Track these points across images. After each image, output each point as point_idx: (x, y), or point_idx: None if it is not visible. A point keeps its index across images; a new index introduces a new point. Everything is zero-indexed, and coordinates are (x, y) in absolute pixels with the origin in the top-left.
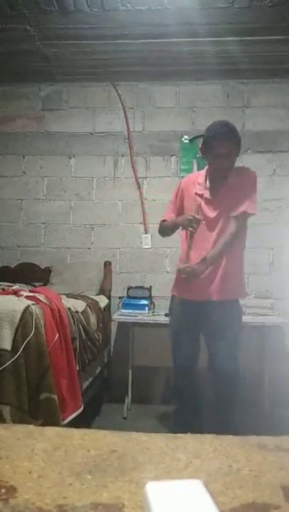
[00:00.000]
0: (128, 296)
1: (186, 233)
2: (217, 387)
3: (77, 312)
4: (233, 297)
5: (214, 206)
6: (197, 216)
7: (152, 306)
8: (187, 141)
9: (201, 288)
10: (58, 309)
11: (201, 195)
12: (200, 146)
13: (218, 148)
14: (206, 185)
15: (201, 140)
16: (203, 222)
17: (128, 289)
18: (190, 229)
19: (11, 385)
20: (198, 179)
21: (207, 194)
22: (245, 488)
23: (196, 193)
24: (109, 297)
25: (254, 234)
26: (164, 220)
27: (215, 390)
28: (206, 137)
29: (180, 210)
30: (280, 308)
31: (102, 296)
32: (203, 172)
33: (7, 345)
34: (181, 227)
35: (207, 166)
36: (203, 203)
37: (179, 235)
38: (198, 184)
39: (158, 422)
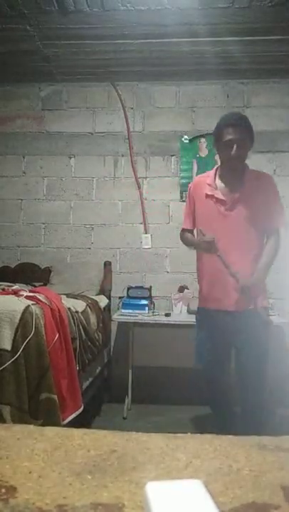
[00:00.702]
0: (128, 296)
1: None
2: (243, 397)
3: (77, 312)
4: (260, 305)
5: (228, 207)
6: (207, 238)
7: (152, 306)
8: (187, 141)
9: (233, 297)
10: (58, 309)
11: (211, 197)
12: (213, 142)
13: (228, 135)
14: (216, 185)
15: (201, 139)
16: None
17: (128, 289)
18: (209, 253)
19: (11, 385)
20: (207, 180)
21: (219, 194)
22: (245, 488)
23: (206, 194)
24: (109, 297)
25: None
26: (184, 229)
27: (241, 400)
28: (216, 128)
29: (194, 217)
30: (280, 308)
31: (102, 296)
32: (212, 172)
33: (7, 345)
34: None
35: (216, 166)
36: (214, 205)
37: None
38: (208, 185)
39: (158, 422)
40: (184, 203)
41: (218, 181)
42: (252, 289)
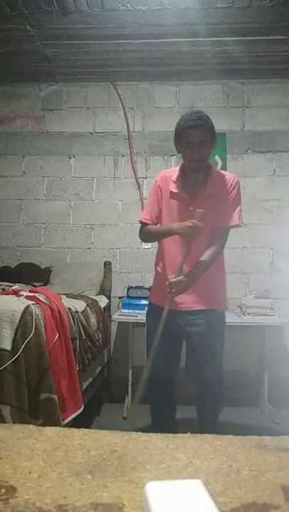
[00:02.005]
0: (128, 296)
1: (176, 241)
2: (200, 404)
3: (77, 312)
4: (216, 307)
5: (192, 208)
6: (199, 223)
7: None
8: None
9: (184, 297)
10: (58, 309)
11: (176, 195)
12: (174, 141)
13: (187, 137)
14: (181, 183)
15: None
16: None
17: (128, 289)
18: (189, 238)
19: (11, 385)
20: (173, 176)
21: (183, 194)
22: (245, 488)
23: (171, 192)
24: (109, 297)
25: (254, 234)
26: (144, 223)
27: (198, 403)
28: (176, 129)
29: (160, 211)
30: (280, 308)
31: (102, 296)
32: (178, 168)
33: (7, 346)
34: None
35: (182, 163)
36: (178, 203)
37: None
38: (174, 182)
39: None
40: None
41: (183, 180)
42: (180, 287)
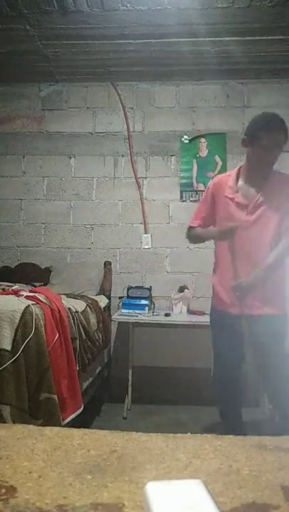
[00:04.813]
0: (128, 296)
1: (226, 245)
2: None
3: (77, 312)
4: (278, 312)
5: (249, 211)
6: (230, 224)
7: (152, 306)
8: (187, 141)
9: (245, 301)
10: (58, 309)
11: (231, 199)
12: (242, 139)
13: (269, 139)
14: (238, 187)
15: (201, 139)
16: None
17: (128, 289)
18: (224, 240)
19: (11, 385)
20: (228, 181)
21: (239, 198)
22: (245, 488)
23: (226, 197)
24: (109, 297)
25: None
26: (191, 227)
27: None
28: (255, 128)
29: (209, 217)
30: None
31: (102, 296)
32: (234, 172)
33: (7, 346)
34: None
35: (239, 166)
36: (234, 208)
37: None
38: (229, 187)
39: (158, 422)
40: (184, 202)
41: (240, 183)
42: (246, 290)
